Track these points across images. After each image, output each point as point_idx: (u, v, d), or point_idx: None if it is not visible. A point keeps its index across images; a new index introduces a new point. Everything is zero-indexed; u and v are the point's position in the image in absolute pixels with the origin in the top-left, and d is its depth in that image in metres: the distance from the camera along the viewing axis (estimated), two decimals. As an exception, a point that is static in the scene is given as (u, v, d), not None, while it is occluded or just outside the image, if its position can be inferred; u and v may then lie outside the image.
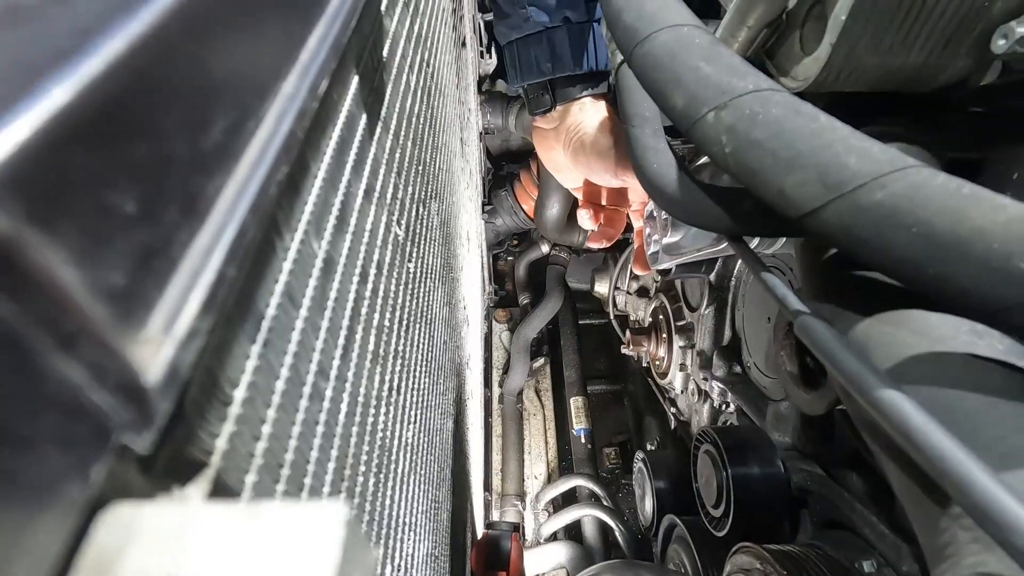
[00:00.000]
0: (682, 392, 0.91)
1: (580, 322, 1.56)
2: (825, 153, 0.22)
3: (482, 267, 1.54)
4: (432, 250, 0.46)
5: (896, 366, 0.23)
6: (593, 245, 0.82)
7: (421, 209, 0.40)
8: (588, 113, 0.65)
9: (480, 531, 0.84)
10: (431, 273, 0.44)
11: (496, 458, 1.24)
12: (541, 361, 1.43)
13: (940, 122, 0.35)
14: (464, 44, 0.91)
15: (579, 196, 0.78)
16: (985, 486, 0.16)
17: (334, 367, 0.20)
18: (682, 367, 0.89)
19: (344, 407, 0.21)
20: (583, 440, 1.17)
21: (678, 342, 0.88)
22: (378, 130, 0.28)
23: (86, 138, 0.10)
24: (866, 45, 0.30)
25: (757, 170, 0.24)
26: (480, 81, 1.26)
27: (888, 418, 0.19)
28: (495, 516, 1.15)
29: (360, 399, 0.23)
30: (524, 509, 1.14)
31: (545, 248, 1.51)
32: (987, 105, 0.35)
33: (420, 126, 0.42)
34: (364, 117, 0.26)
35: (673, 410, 0.98)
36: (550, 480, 1.21)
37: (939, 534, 0.19)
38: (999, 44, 0.28)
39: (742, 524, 0.59)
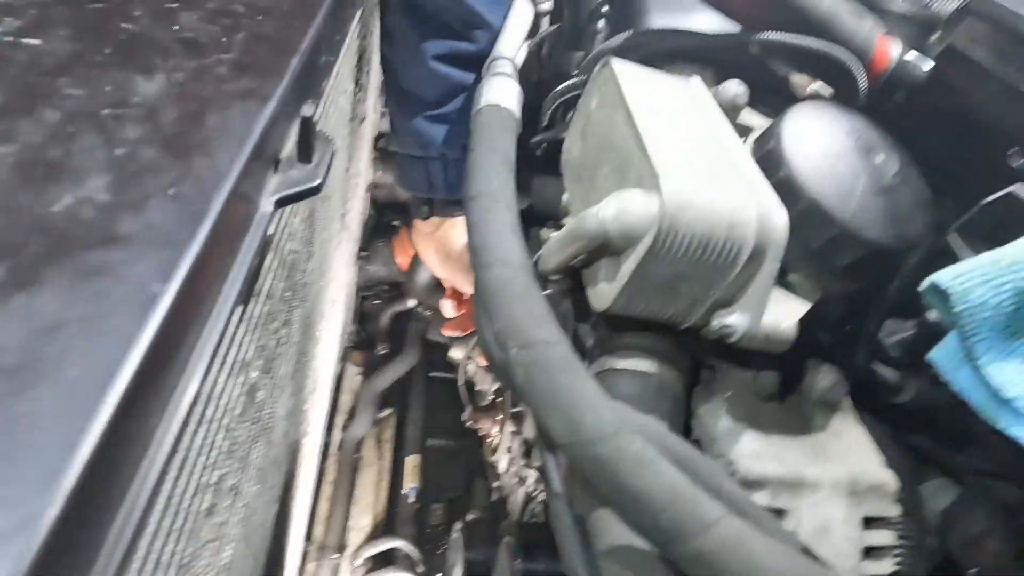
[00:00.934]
0: (505, 472, 1.01)
1: (435, 374, 1.62)
2: (573, 404, 0.32)
3: (347, 309, 1.55)
4: (287, 354, 0.50)
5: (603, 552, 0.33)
6: (448, 333, 0.90)
7: (283, 330, 0.45)
8: (461, 231, 0.74)
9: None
10: (280, 383, 0.48)
11: (324, 505, 1.24)
12: (388, 412, 1.46)
13: (689, 343, 0.48)
14: (364, 119, 0.96)
15: (447, 286, 0.86)
16: None
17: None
18: (509, 450, 0.99)
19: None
20: (411, 500, 1.22)
21: (509, 427, 0.98)
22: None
23: None
24: (639, 298, 0.41)
25: (533, 403, 0.33)
26: (377, 138, 1.31)
27: None
28: (310, 569, 1.14)
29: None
30: (341, 562, 1.15)
31: (412, 303, 1.57)
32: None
33: (295, 272, 0.46)
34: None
35: (497, 484, 1.08)
36: (375, 533, 1.23)
37: None
38: (714, 325, 0.40)
39: (524, 614, 0.68)
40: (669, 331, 0.47)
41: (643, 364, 0.45)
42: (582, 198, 0.52)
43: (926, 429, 0.59)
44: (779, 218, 0.39)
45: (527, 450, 0.92)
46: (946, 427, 0.61)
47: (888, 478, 0.46)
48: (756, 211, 0.38)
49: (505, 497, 1.03)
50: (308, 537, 1.18)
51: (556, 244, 0.46)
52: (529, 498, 0.92)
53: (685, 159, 0.40)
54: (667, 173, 0.38)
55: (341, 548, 1.18)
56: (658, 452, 0.32)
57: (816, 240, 0.42)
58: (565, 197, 0.67)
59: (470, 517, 1.09)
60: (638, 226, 0.38)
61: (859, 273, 0.45)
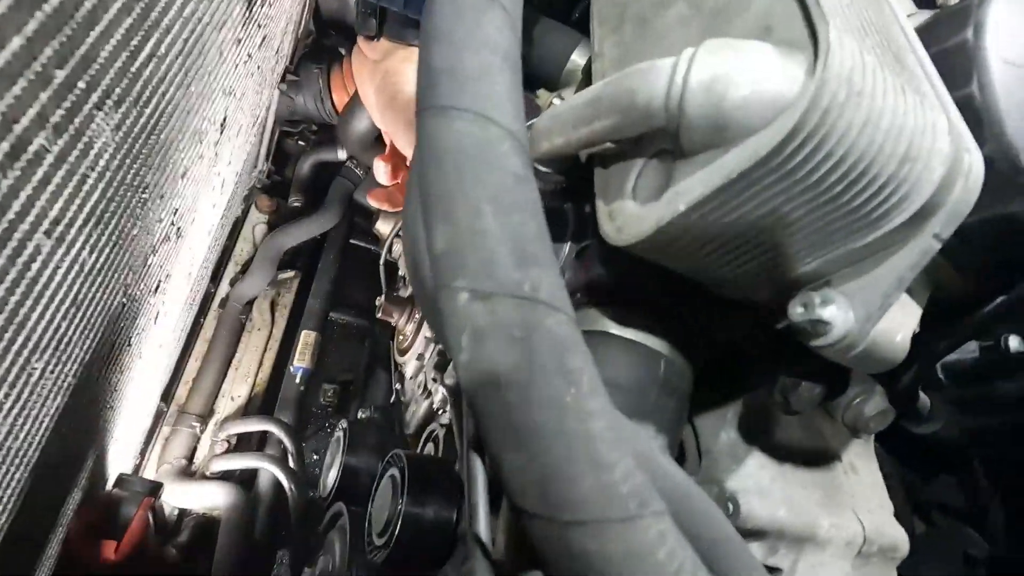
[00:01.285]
0: (411, 378, 0.87)
1: (354, 241, 1.42)
2: (562, 450, 0.15)
3: (261, 142, 1.28)
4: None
5: None
6: (374, 203, 0.70)
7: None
8: (414, 67, 0.52)
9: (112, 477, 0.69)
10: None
11: (192, 366, 1.06)
12: (291, 274, 1.26)
13: (718, 320, 0.32)
14: None
15: (386, 141, 0.66)
16: None
17: None
18: (420, 357, 0.84)
19: None
20: (297, 381, 1.06)
21: (426, 331, 0.83)
22: None
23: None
24: (697, 238, 0.24)
25: (484, 412, 0.16)
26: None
27: None
28: (165, 432, 0.99)
29: None
30: (203, 432, 1.00)
31: (342, 155, 1.31)
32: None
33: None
34: None
35: (399, 386, 0.94)
36: (249, 406, 1.08)
37: None
38: (797, 311, 0.24)
39: (399, 560, 0.57)
40: (696, 295, 0.31)
41: (650, 339, 0.29)
42: (622, 53, 0.32)
43: (915, 458, 0.51)
44: (974, 162, 0.22)
45: (442, 362, 0.78)
46: (939, 461, 0.52)
47: (901, 540, 0.35)
48: (950, 142, 0.21)
49: (405, 404, 0.90)
50: (166, 398, 1.01)
51: (568, 113, 0.27)
52: (432, 415, 0.79)
53: (855, 17, 0.21)
54: (837, 25, 0.19)
55: (206, 416, 1.02)
56: (687, 544, 0.16)
57: (982, 209, 0.26)
58: (576, 56, 0.47)
59: (361, 415, 0.95)
60: (758, 106, 0.19)
61: (995, 273, 0.30)
